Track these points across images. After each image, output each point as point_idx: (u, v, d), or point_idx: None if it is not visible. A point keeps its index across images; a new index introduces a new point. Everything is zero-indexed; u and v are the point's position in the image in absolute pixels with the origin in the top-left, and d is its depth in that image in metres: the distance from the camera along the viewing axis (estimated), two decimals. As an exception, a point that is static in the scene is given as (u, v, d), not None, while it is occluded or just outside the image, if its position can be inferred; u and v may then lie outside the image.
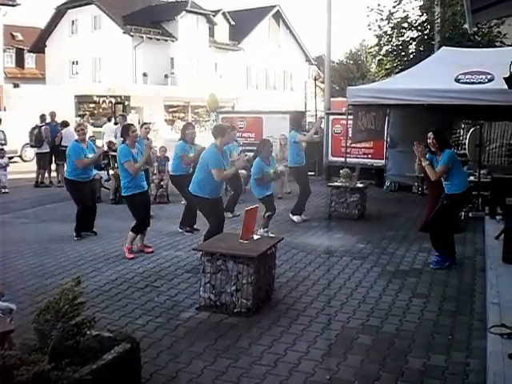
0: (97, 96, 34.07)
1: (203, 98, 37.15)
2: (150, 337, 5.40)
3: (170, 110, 38.12)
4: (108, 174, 13.96)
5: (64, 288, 3.97)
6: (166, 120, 36.60)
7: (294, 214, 11.07)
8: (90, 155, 9.42)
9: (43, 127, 16.22)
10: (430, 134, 7.80)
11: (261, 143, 9.84)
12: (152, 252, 8.57)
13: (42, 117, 16.84)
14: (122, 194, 8.56)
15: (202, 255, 6.15)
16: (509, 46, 16.73)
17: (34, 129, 16.29)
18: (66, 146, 16.10)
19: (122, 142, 8.40)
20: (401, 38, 20.69)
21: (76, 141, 9.45)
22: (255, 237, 6.63)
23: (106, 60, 39.27)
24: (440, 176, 7.74)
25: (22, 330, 4.79)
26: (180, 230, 9.94)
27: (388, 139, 15.21)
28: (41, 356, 3.62)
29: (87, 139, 10.02)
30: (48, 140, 16.04)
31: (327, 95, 18.72)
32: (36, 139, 16.10)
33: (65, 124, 16.44)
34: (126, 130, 8.32)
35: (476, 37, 18.42)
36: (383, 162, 15.61)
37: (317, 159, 17.04)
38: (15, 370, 3.47)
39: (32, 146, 17.17)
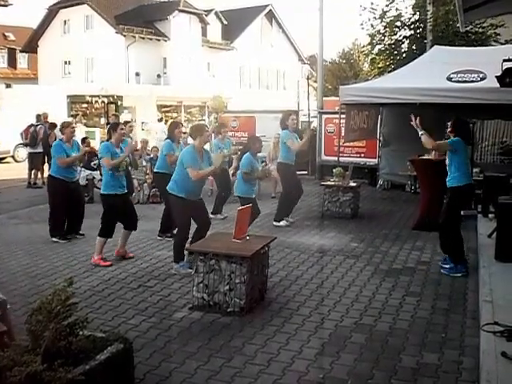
0: (89, 96, 33.95)
1: (196, 97, 37.18)
2: (143, 337, 5.39)
3: (163, 109, 37.99)
4: (100, 174, 13.90)
5: (56, 288, 3.96)
6: (158, 120, 36.52)
7: (278, 221, 10.62)
8: (74, 154, 9.28)
9: (38, 126, 16.16)
10: (450, 122, 7.71)
11: (250, 139, 9.77)
12: (133, 257, 8.39)
13: (39, 117, 16.74)
14: (100, 192, 8.23)
15: (195, 255, 6.14)
16: (502, 44, 16.80)
17: (29, 127, 16.21)
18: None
19: (107, 140, 8.18)
20: (393, 37, 20.70)
21: (60, 139, 9.37)
22: (248, 236, 6.63)
23: (99, 60, 39.10)
24: (436, 147, 7.39)
25: (15, 331, 4.76)
26: (159, 238, 9.56)
27: (381, 138, 15.25)
28: (33, 357, 3.61)
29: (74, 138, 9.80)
30: (43, 140, 15.97)
31: (320, 94, 18.74)
32: (32, 137, 16.00)
33: (53, 126, 16.37)
34: (115, 127, 8.10)
35: (470, 34, 18.46)
36: (376, 160, 15.66)
37: (310, 158, 17.05)
38: (8, 370, 3.46)
39: (26, 145, 16.97)
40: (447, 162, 7.65)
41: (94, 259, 7.99)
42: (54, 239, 9.33)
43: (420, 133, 7.65)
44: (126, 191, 8.26)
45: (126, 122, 12.22)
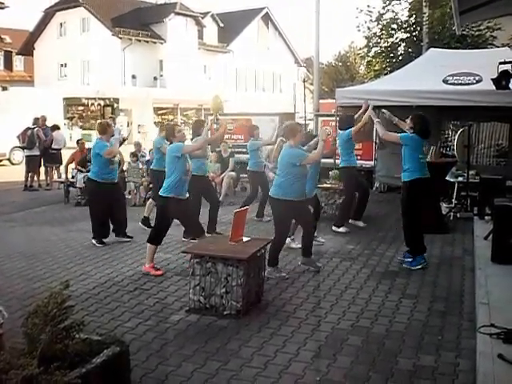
0: (85, 98, 34.03)
1: (192, 100, 37.22)
2: (139, 340, 5.38)
3: (159, 112, 38.07)
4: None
5: (53, 291, 3.95)
6: (155, 122, 36.53)
7: (338, 226, 10.24)
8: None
9: (36, 129, 16.10)
10: (409, 118, 7.86)
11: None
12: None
13: (36, 120, 16.68)
14: (159, 194, 7.62)
15: (192, 258, 6.13)
16: (498, 47, 16.86)
17: (26, 130, 16.16)
18: (56, 149, 16.19)
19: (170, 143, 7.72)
20: (390, 40, 20.77)
21: (100, 139, 9.07)
22: (244, 239, 6.62)
23: (95, 62, 39.18)
24: (385, 137, 7.92)
25: (11, 334, 4.75)
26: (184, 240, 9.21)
27: (377, 140, 15.24)
28: (30, 360, 3.60)
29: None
30: (41, 142, 15.94)
31: (316, 97, 18.72)
32: (29, 140, 15.93)
33: (55, 127, 16.35)
34: (172, 131, 7.67)
35: (466, 37, 18.52)
36: (372, 163, 15.63)
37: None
38: (4, 374, 3.45)
39: (23, 148, 16.88)
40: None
41: (145, 267, 7.67)
42: (93, 241, 9.15)
43: (375, 120, 7.94)
44: (186, 197, 7.65)
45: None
